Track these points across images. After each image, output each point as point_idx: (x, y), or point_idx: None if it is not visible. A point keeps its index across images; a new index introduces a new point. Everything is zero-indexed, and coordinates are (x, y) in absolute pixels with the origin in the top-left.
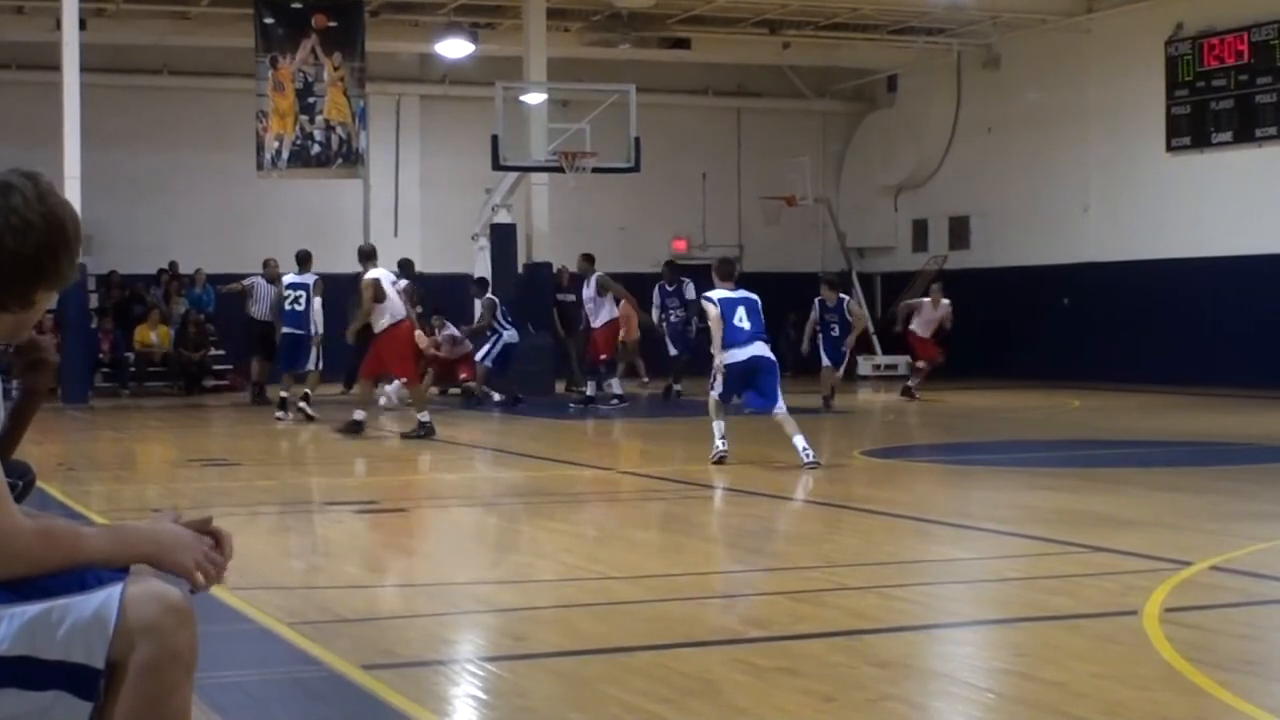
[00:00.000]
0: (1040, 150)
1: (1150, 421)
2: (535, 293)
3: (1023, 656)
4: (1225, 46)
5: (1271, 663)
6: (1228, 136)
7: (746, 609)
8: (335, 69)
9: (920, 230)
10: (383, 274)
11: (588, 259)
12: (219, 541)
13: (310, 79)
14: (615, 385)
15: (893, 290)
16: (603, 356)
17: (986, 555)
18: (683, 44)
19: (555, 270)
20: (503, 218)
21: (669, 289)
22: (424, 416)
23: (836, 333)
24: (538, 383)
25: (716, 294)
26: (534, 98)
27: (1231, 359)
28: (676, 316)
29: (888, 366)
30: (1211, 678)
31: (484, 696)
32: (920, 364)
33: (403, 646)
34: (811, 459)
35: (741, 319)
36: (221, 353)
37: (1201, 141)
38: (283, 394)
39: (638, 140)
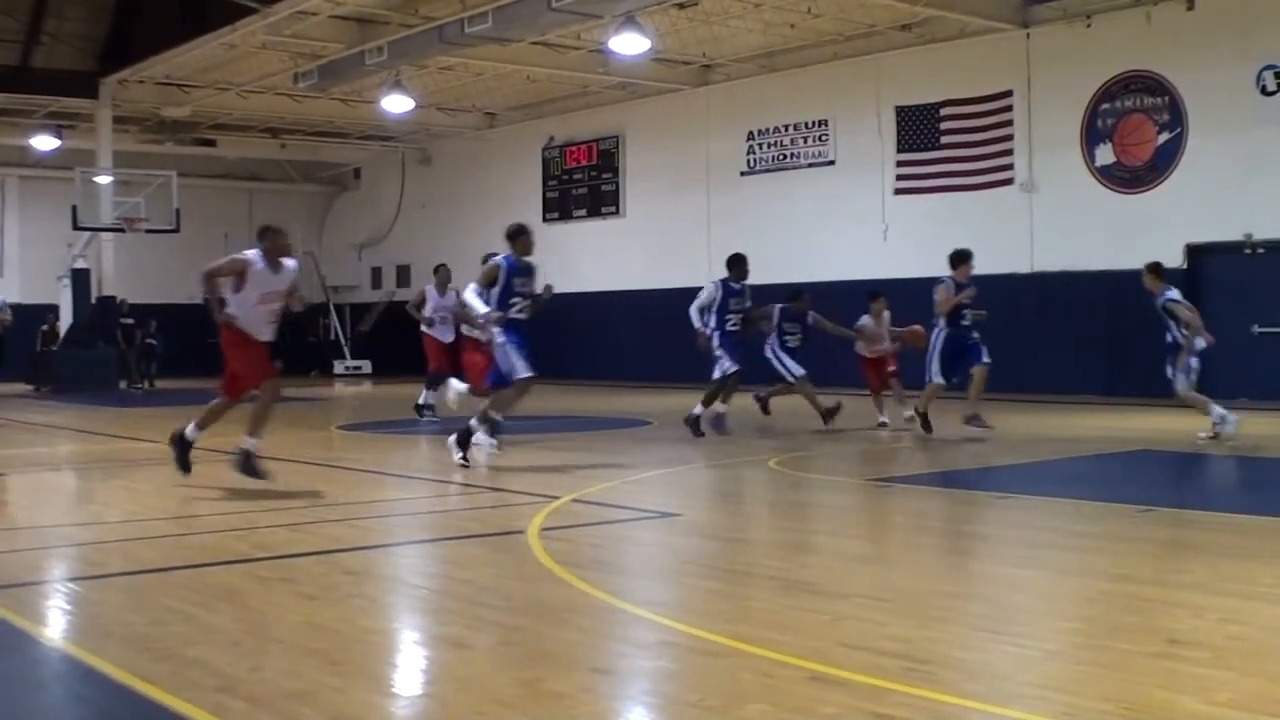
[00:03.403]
0: (458, 220)
1: (536, 403)
2: (104, 317)
3: (447, 564)
4: (581, 152)
5: (612, 562)
6: (583, 212)
7: (255, 538)
8: None
9: (377, 274)
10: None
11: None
12: None
13: None
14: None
15: (358, 315)
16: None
17: (422, 496)
18: (210, 143)
19: (119, 301)
20: (80, 264)
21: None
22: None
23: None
24: (104, 383)
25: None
26: (103, 179)
27: (619, 363)
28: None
29: (353, 367)
30: (574, 574)
31: (68, 607)
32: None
33: (6, 573)
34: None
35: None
36: None
37: (566, 215)
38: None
39: (178, 211)
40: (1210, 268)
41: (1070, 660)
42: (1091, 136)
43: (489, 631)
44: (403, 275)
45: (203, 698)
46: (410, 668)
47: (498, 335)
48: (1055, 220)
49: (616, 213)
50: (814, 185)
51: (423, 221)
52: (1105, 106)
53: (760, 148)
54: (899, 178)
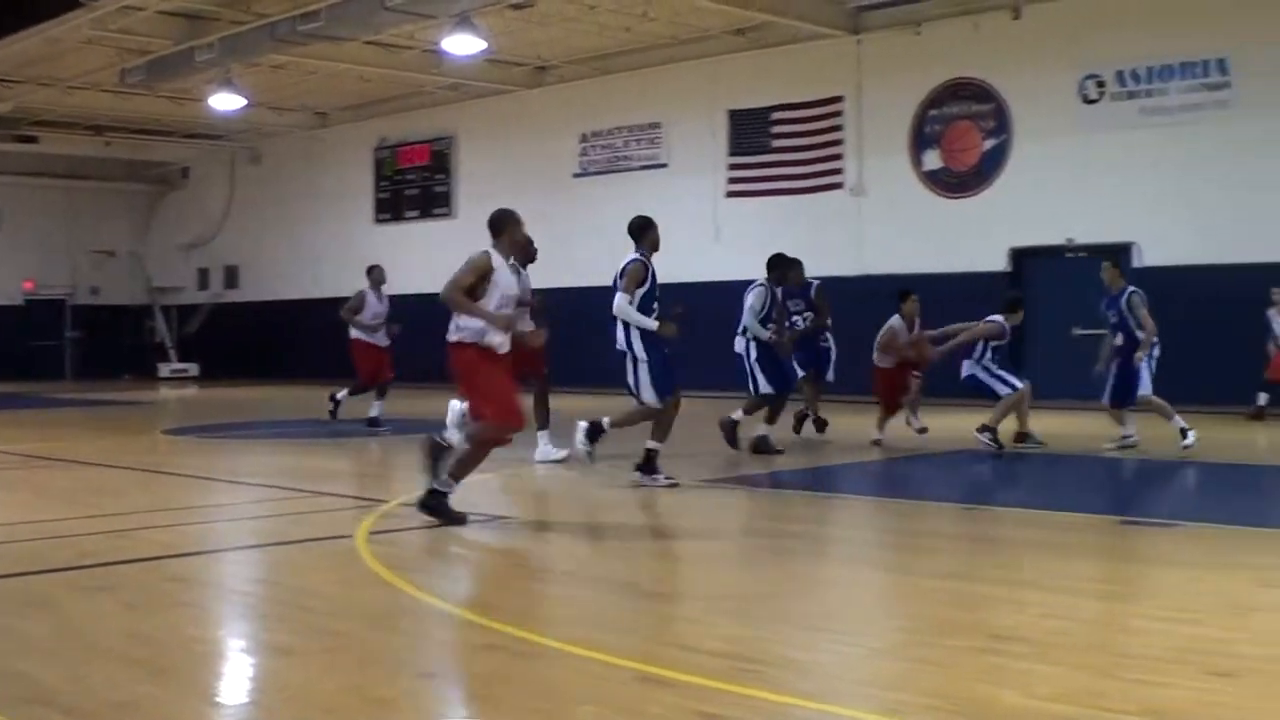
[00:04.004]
0: (289, 220)
1: (368, 405)
2: None
3: (274, 569)
4: (414, 153)
5: (441, 566)
6: (416, 213)
7: (77, 545)
8: None
9: (204, 275)
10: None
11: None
12: None
13: None
14: None
15: (184, 317)
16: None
17: (247, 501)
18: (32, 140)
19: None
20: None
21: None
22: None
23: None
24: None
25: None
26: None
27: (430, 360)
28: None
29: (179, 370)
30: (402, 578)
31: None
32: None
33: None
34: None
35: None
36: None
37: (398, 217)
38: None
39: None
40: (1033, 271)
41: (897, 657)
42: (919, 142)
43: (315, 638)
44: (230, 276)
45: (20, 710)
46: (235, 676)
47: (641, 351)
48: (883, 224)
49: (449, 214)
50: (647, 187)
51: (252, 222)
52: (933, 113)
53: (593, 150)
54: (731, 180)
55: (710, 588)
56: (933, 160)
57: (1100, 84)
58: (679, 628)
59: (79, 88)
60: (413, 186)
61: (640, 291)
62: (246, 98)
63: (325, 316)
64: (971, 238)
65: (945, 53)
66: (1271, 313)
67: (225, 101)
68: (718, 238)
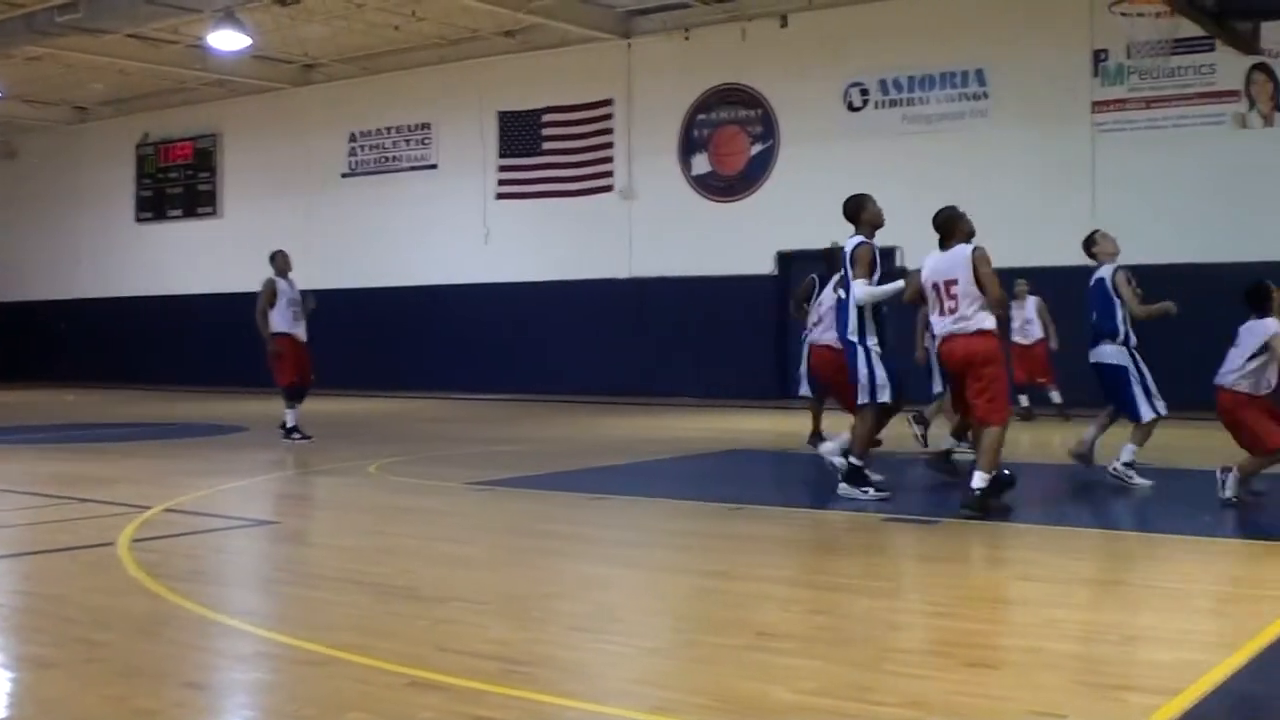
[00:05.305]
0: (45, 218)
1: (128, 409)
2: None
3: (30, 579)
4: (178, 150)
5: (206, 572)
6: (179, 212)
7: None
8: None
9: None
10: None
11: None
12: None
13: None
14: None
15: None
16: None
17: (4, 508)
18: None
19: None
20: None
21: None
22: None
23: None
24: None
25: None
26: None
27: (214, 368)
28: None
29: None
30: (166, 586)
31: None
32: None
33: None
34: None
35: None
36: None
37: (160, 216)
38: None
39: None
40: (799, 274)
41: (664, 656)
42: (688, 146)
43: (75, 649)
44: None
45: None
46: None
47: (873, 342)
48: (653, 227)
49: (214, 213)
50: (416, 188)
51: (7, 219)
52: (701, 117)
53: (362, 149)
54: (501, 182)
55: (479, 590)
56: (701, 164)
57: (864, 92)
58: (448, 631)
59: None
60: (176, 185)
61: (876, 276)
62: (0, 90)
63: (85, 318)
64: (739, 241)
65: (714, 59)
66: (1014, 305)
67: None
68: (488, 240)
